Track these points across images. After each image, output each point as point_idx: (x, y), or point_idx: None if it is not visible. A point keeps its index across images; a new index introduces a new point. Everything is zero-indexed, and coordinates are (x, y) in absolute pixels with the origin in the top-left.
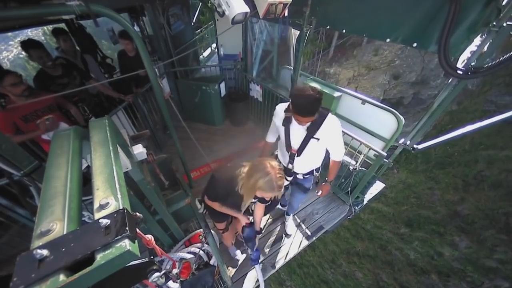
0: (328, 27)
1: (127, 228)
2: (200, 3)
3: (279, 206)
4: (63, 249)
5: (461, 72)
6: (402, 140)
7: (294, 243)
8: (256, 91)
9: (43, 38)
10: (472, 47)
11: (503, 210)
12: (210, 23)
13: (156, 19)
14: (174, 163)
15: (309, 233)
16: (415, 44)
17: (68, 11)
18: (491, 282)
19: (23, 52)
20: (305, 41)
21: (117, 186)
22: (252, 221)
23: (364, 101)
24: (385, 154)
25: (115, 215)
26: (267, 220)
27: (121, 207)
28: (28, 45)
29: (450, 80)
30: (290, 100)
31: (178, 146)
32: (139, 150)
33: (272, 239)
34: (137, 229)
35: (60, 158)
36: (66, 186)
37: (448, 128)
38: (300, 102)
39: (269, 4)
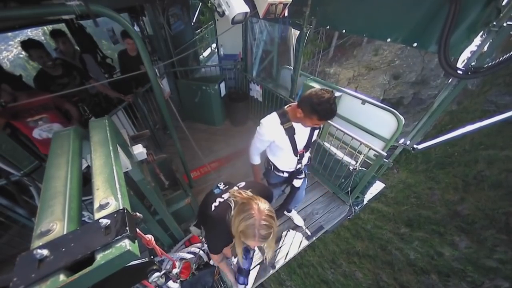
0: (328, 27)
1: (127, 228)
2: (200, 3)
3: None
4: (63, 249)
5: (461, 72)
6: (402, 140)
7: (294, 243)
8: (256, 91)
9: (43, 38)
10: (472, 47)
11: (503, 210)
12: (210, 23)
13: (156, 19)
14: (174, 163)
15: (309, 233)
16: (415, 44)
17: (68, 11)
18: (491, 282)
19: (23, 52)
20: (305, 41)
21: (117, 186)
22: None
23: (364, 101)
24: (385, 154)
25: (115, 215)
26: None
27: (121, 207)
28: (28, 45)
29: (450, 80)
30: (311, 109)
31: (178, 146)
32: (139, 150)
33: None
34: (137, 229)
35: (60, 158)
36: (66, 186)
37: (448, 128)
38: (327, 107)
39: (269, 4)
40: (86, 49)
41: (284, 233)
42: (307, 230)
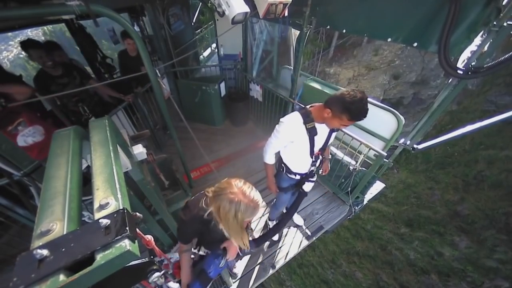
0: (328, 27)
1: (127, 228)
2: (200, 3)
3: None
4: (63, 249)
5: (461, 72)
6: (402, 140)
7: (294, 243)
8: (256, 91)
9: (43, 38)
10: (472, 47)
11: (503, 210)
12: (210, 23)
13: (156, 19)
14: (174, 163)
15: (309, 233)
16: (415, 44)
17: (68, 11)
18: (491, 282)
19: (23, 52)
20: (305, 41)
21: (117, 186)
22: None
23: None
24: (385, 154)
25: (115, 215)
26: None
27: (121, 207)
28: (28, 45)
29: (450, 80)
30: (342, 108)
31: (178, 146)
32: (139, 150)
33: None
34: (137, 229)
35: (60, 158)
36: (66, 186)
37: (448, 128)
38: (359, 107)
39: (269, 4)
40: (86, 49)
41: (284, 233)
42: (307, 230)
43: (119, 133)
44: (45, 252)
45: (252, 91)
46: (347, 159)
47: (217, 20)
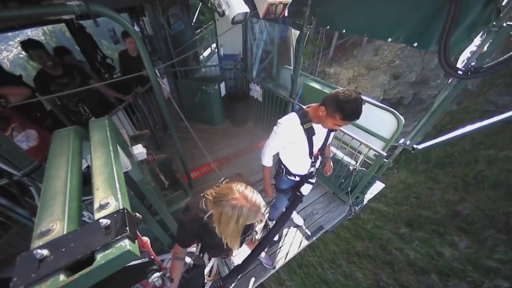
0: (328, 27)
1: (127, 228)
2: (200, 3)
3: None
4: (63, 249)
5: (461, 72)
6: (402, 140)
7: (294, 243)
8: (256, 91)
9: (43, 38)
10: (472, 47)
11: (503, 210)
12: (210, 23)
13: (156, 19)
14: (174, 163)
15: (309, 233)
16: (415, 44)
17: (68, 11)
18: (491, 282)
19: (23, 52)
20: (305, 41)
21: (117, 186)
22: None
23: (364, 101)
24: (385, 154)
25: (115, 215)
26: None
27: (121, 207)
28: (28, 45)
29: (450, 80)
30: (336, 107)
31: (178, 146)
32: (139, 150)
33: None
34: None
35: (60, 158)
36: (66, 186)
37: (448, 128)
38: (352, 107)
39: (269, 4)
40: (86, 49)
41: (284, 233)
42: (307, 230)
43: (119, 133)
44: (45, 252)
45: (252, 91)
46: (347, 159)
47: (217, 20)
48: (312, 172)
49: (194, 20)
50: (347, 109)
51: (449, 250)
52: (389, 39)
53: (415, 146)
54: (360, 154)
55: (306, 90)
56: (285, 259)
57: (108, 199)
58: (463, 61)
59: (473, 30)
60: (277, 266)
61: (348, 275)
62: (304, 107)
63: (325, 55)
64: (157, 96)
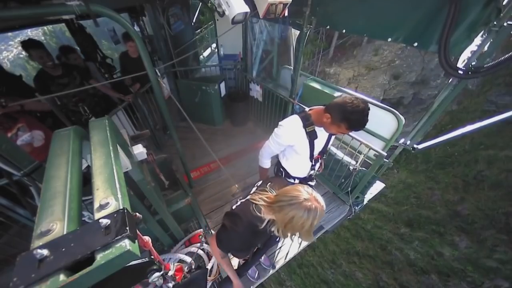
0: (328, 27)
1: (127, 228)
2: (200, 3)
3: None
4: (63, 249)
5: (461, 72)
6: (402, 140)
7: (294, 243)
8: (256, 91)
9: (43, 38)
10: (472, 47)
11: (503, 210)
12: (210, 23)
13: (156, 19)
14: (174, 163)
15: None
16: (415, 44)
17: (68, 11)
18: (491, 282)
19: (23, 52)
20: (305, 41)
21: (117, 186)
22: None
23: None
24: (385, 154)
25: (115, 215)
26: None
27: (121, 207)
28: (28, 45)
29: (450, 80)
30: (342, 117)
31: (178, 146)
32: (139, 150)
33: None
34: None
35: (60, 158)
36: (66, 186)
37: (448, 128)
38: (359, 118)
39: (269, 4)
40: (86, 49)
41: None
42: None
43: (119, 133)
44: (45, 252)
45: (252, 91)
46: (347, 159)
47: (217, 20)
48: (311, 174)
49: (194, 20)
50: (353, 120)
51: (449, 250)
52: (389, 39)
53: (415, 146)
54: (360, 154)
55: (306, 90)
56: (285, 259)
57: (108, 199)
58: (464, 61)
59: (473, 30)
60: (277, 266)
61: (348, 275)
62: (307, 109)
63: (325, 55)
64: (157, 96)
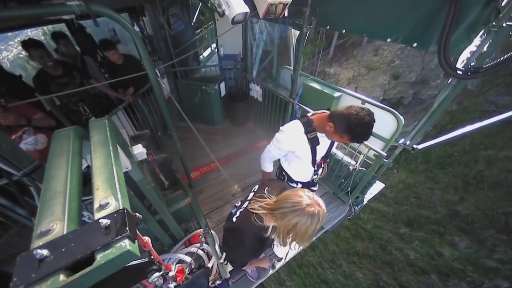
0: (328, 27)
1: (127, 228)
2: (200, 3)
3: None
4: (63, 249)
5: (460, 72)
6: (402, 140)
7: (292, 249)
8: (256, 91)
9: (43, 38)
10: (472, 47)
11: (503, 210)
12: (210, 23)
13: (156, 19)
14: (174, 163)
15: None
16: (415, 44)
17: (68, 11)
18: (491, 282)
19: (23, 52)
20: (305, 41)
21: (117, 186)
22: None
23: (364, 101)
24: (385, 154)
25: (115, 215)
26: None
27: (121, 207)
28: (28, 44)
29: (450, 80)
30: (346, 128)
31: (178, 146)
32: (139, 150)
33: None
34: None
35: (60, 158)
36: (66, 186)
37: (448, 128)
38: (363, 131)
39: (269, 4)
40: (86, 49)
41: None
42: None
43: (119, 133)
44: (45, 252)
45: (252, 91)
46: (347, 159)
47: (217, 20)
48: (314, 179)
49: (194, 20)
50: (357, 132)
51: (449, 250)
52: (389, 39)
53: (415, 146)
54: (360, 154)
55: (306, 90)
56: (285, 259)
57: (108, 199)
58: (463, 61)
59: (473, 30)
60: (277, 266)
61: (348, 275)
62: (309, 114)
63: (325, 55)
64: (157, 96)
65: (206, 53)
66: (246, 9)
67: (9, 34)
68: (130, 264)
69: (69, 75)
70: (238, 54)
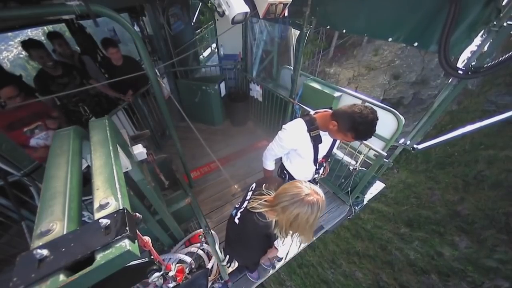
0: (328, 27)
1: (127, 228)
2: (200, 3)
3: None
4: (63, 249)
5: (461, 72)
6: (402, 140)
7: (294, 243)
8: (256, 91)
9: (43, 38)
10: (472, 47)
11: (503, 210)
12: (210, 23)
13: (156, 19)
14: (174, 163)
15: None
16: (415, 44)
17: (68, 11)
18: (491, 282)
19: (23, 52)
20: (305, 41)
21: (117, 186)
22: None
23: (364, 101)
24: (385, 154)
25: (115, 215)
26: None
27: (121, 207)
28: (29, 44)
29: (450, 80)
30: (351, 127)
31: (178, 146)
32: (139, 150)
33: None
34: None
35: (60, 158)
36: (66, 186)
37: (448, 128)
38: (367, 129)
39: (269, 4)
40: (86, 49)
41: None
42: None
43: (119, 133)
44: (45, 252)
45: (252, 91)
46: (347, 159)
47: (217, 20)
48: (315, 178)
49: (194, 20)
50: (361, 131)
51: (449, 250)
52: (389, 39)
53: (415, 146)
54: (360, 154)
55: (306, 90)
56: (285, 259)
57: (108, 199)
58: (463, 61)
59: (473, 30)
60: (277, 266)
61: (348, 275)
62: (312, 112)
63: (325, 55)
64: (157, 96)
65: (206, 53)
66: (246, 9)
67: (9, 34)
68: (130, 264)
69: (69, 75)
70: (238, 54)
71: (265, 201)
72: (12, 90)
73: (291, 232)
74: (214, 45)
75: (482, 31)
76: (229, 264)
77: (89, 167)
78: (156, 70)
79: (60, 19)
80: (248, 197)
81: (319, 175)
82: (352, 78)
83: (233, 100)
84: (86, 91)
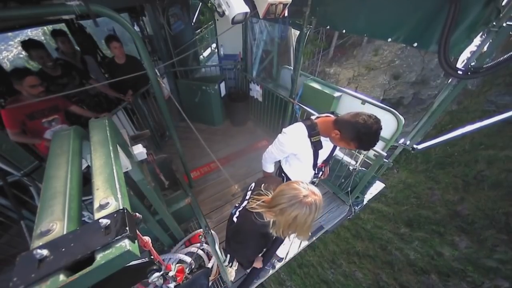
0: (328, 27)
1: (127, 228)
2: (200, 3)
3: None
4: (63, 249)
5: (461, 72)
6: (402, 140)
7: (294, 243)
8: (256, 91)
9: (43, 38)
10: (472, 47)
11: (503, 210)
12: (210, 23)
13: (156, 19)
14: (174, 163)
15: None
16: (415, 44)
17: (68, 11)
18: (491, 282)
19: (23, 52)
20: (305, 41)
21: (117, 186)
22: None
23: (364, 101)
24: (385, 154)
25: (115, 215)
26: None
27: (121, 207)
28: (29, 45)
29: (450, 80)
30: (354, 136)
31: (178, 146)
32: (139, 150)
33: None
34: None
35: (60, 158)
36: (66, 186)
37: (448, 128)
38: (371, 139)
39: (269, 4)
40: (86, 49)
41: None
42: None
43: (119, 133)
44: (45, 252)
45: (252, 91)
46: (347, 159)
47: (217, 20)
48: (314, 182)
49: (194, 20)
50: (365, 141)
51: (449, 250)
52: (389, 39)
53: (415, 146)
54: (360, 154)
55: (306, 90)
56: (285, 259)
57: (108, 199)
58: (463, 61)
59: (473, 30)
60: (277, 266)
61: (348, 275)
62: (313, 117)
63: (325, 55)
64: (157, 96)
65: (206, 53)
66: (246, 9)
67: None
68: (130, 264)
69: (68, 76)
70: (238, 54)
71: (263, 202)
72: (34, 79)
73: (289, 232)
74: (214, 45)
75: (481, 32)
76: (230, 264)
77: (89, 167)
78: (156, 70)
79: (60, 19)
80: (247, 197)
81: (318, 179)
82: (352, 78)
83: (233, 100)
84: (86, 91)
